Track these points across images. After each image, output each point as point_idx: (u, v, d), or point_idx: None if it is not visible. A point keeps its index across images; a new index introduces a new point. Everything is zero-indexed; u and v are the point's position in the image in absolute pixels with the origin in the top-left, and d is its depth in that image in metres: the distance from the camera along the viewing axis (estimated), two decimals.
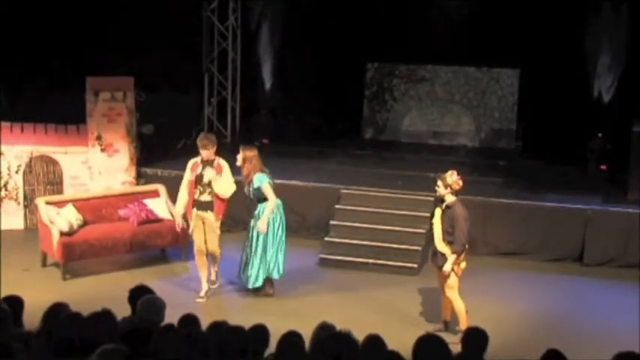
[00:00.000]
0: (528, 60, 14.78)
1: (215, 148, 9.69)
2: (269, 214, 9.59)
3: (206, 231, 9.76)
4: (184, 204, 9.72)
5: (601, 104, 14.11)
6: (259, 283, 9.76)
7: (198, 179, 9.65)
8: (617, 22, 13.77)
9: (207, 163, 9.66)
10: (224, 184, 9.67)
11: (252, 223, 9.76)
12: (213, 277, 10.03)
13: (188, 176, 9.73)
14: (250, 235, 9.76)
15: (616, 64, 13.94)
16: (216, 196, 9.66)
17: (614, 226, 11.31)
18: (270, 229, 9.65)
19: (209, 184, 9.62)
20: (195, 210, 9.72)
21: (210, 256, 9.94)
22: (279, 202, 9.73)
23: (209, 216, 9.70)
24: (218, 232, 9.82)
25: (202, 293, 9.80)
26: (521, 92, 15.54)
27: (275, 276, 9.79)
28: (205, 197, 9.68)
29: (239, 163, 9.66)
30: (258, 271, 9.70)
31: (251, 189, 9.64)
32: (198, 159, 9.74)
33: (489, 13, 14.68)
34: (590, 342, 8.37)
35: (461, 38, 14.95)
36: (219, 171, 9.66)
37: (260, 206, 9.66)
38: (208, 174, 9.60)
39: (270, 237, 9.69)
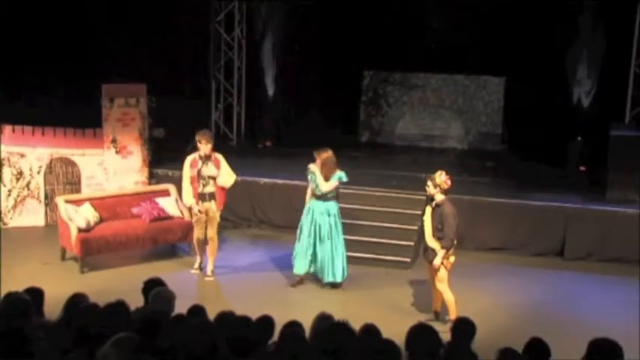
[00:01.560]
0: (513, 69, 14.81)
1: (211, 144, 9.82)
2: (333, 186, 9.63)
3: (208, 219, 9.92)
4: (193, 194, 9.82)
5: (580, 109, 14.12)
6: (346, 274, 9.74)
7: (200, 174, 9.76)
8: (595, 34, 13.78)
9: (205, 158, 9.77)
10: (225, 176, 9.86)
11: (319, 220, 9.64)
12: (209, 272, 10.07)
13: (188, 172, 9.83)
14: (323, 232, 9.62)
15: (594, 72, 13.95)
16: (219, 186, 9.83)
17: (593, 223, 11.31)
18: (340, 227, 9.68)
19: (211, 176, 9.75)
20: (199, 202, 9.86)
21: (209, 245, 10.05)
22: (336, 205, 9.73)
23: (212, 205, 9.88)
24: (219, 219, 10.02)
25: (196, 265, 10.18)
26: (506, 98, 15.56)
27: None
28: (208, 189, 9.85)
29: (318, 166, 9.59)
30: (343, 263, 9.69)
31: (325, 188, 9.58)
32: (195, 155, 9.86)
33: (478, 26, 14.71)
34: (570, 330, 8.37)
35: (451, 48, 14.99)
36: (217, 164, 9.79)
37: (324, 204, 9.59)
38: (209, 169, 9.73)
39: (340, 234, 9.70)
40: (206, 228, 10.01)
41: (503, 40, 14.34)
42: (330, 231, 9.66)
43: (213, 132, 15.61)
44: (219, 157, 9.93)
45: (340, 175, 9.64)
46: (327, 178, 9.57)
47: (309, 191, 9.87)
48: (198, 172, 9.79)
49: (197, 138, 9.85)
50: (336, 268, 9.67)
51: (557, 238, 11.44)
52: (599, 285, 10.41)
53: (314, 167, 9.69)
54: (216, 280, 10.15)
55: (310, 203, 9.76)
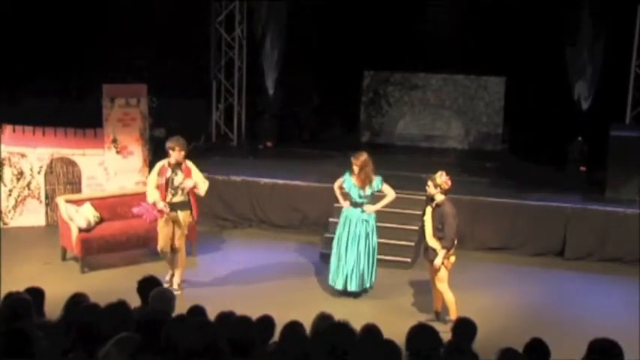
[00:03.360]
0: (513, 69, 14.80)
1: (184, 152, 9.39)
2: (385, 204, 9.53)
3: (175, 229, 9.55)
4: (157, 196, 9.38)
5: (580, 109, 14.10)
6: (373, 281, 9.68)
7: (169, 183, 9.40)
8: (595, 34, 13.77)
9: (175, 166, 9.41)
10: (201, 184, 9.50)
11: (357, 230, 9.48)
12: (175, 285, 9.59)
13: (155, 180, 9.41)
14: (361, 242, 9.46)
15: (594, 72, 13.94)
16: (193, 196, 9.50)
17: (592, 223, 11.32)
18: (376, 234, 9.58)
19: (180, 186, 9.39)
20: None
21: (177, 257, 9.70)
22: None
23: (181, 215, 9.49)
24: (186, 231, 9.64)
25: (167, 277, 9.69)
26: (506, 98, 15.54)
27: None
28: (178, 198, 9.45)
29: (355, 171, 9.39)
30: (368, 274, 9.58)
31: (367, 192, 9.43)
32: (164, 162, 9.47)
33: (478, 26, 14.70)
34: (570, 330, 8.37)
35: (451, 48, 14.97)
36: (187, 174, 9.40)
37: (362, 213, 9.46)
38: (179, 178, 9.37)
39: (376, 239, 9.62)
40: (172, 238, 9.58)
41: (504, 40, 14.34)
42: (366, 240, 9.51)
43: (213, 132, 15.66)
44: (190, 164, 9.50)
45: (379, 180, 9.51)
46: (364, 183, 9.41)
47: (338, 196, 9.74)
48: (167, 180, 9.38)
49: (169, 145, 9.37)
50: (365, 276, 9.57)
51: (557, 238, 11.44)
52: (599, 285, 10.41)
53: (351, 178, 9.45)
54: (217, 280, 10.15)
55: (346, 212, 9.57)
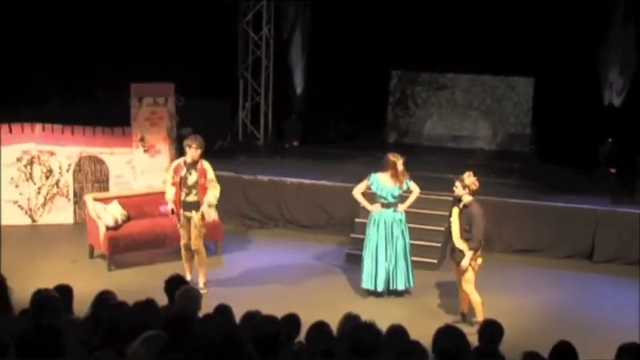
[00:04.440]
0: (542, 69, 14.69)
1: (201, 151, 9.40)
2: (412, 202, 9.59)
3: (191, 230, 9.57)
4: (173, 196, 9.48)
5: (611, 110, 13.98)
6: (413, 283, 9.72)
7: (183, 181, 9.43)
8: (627, 31, 13.64)
9: (191, 165, 9.43)
10: (210, 197, 9.44)
11: (389, 231, 9.52)
12: (201, 284, 9.57)
13: (171, 178, 9.49)
14: (395, 243, 9.52)
15: (626, 72, 13.81)
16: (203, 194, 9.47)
17: (622, 226, 11.22)
18: (408, 233, 9.65)
19: (194, 185, 9.42)
20: (182, 210, 9.54)
21: (195, 258, 9.73)
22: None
23: (194, 216, 9.51)
24: (203, 231, 9.61)
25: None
26: (535, 99, 15.43)
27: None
28: (191, 198, 9.48)
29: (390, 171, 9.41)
30: (409, 272, 9.64)
31: (399, 192, 9.50)
32: (181, 161, 9.53)
33: (506, 26, 14.60)
34: (598, 334, 8.31)
35: (480, 49, 14.88)
36: (202, 174, 9.40)
37: (393, 214, 9.50)
38: (192, 177, 9.41)
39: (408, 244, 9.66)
40: (189, 240, 9.60)
41: (533, 40, 14.24)
42: (402, 239, 9.56)
43: (240, 131, 15.72)
44: (206, 165, 9.49)
45: (409, 180, 9.54)
46: (401, 182, 9.40)
47: (362, 201, 9.74)
48: (182, 179, 9.42)
49: (186, 142, 9.43)
50: (410, 274, 9.63)
51: (585, 241, 11.36)
52: (628, 288, 10.30)
53: (382, 178, 9.47)
54: (242, 279, 10.19)
55: (377, 214, 9.57)
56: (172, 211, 9.57)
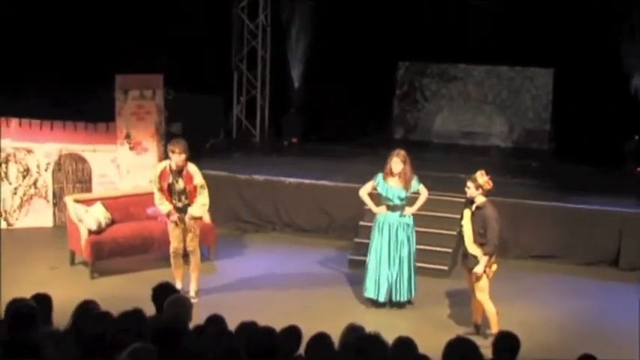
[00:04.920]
0: (563, 59, 14.70)
1: (185, 156, 9.39)
2: (421, 205, 9.60)
3: (186, 230, 9.63)
4: (167, 204, 9.52)
5: (638, 104, 13.98)
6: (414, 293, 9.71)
7: (171, 189, 9.50)
8: None
9: (177, 173, 9.45)
10: (198, 205, 9.52)
11: (395, 236, 9.50)
12: (192, 292, 9.63)
13: (157, 183, 9.49)
14: (400, 249, 9.49)
15: None
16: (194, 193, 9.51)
17: None
18: (414, 239, 9.63)
19: (182, 192, 9.48)
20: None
21: (191, 261, 9.77)
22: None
23: (188, 218, 9.56)
24: (198, 230, 9.68)
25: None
26: (555, 92, 15.46)
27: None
28: (181, 203, 9.56)
29: (397, 169, 9.37)
30: (412, 281, 9.63)
31: (406, 194, 9.47)
32: (166, 165, 9.54)
33: (523, 11, 14.61)
34: (624, 348, 8.31)
35: (494, 37, 14.89)
36: (188, 180, 9.45)
37: (399, 217, 9.48)
38: (179, 185, 9.46)
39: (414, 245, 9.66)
40: (184, 240, 9.66)
41: (552, 26, 14.24)
42: (408, 246, 9.55)
43: (234, 127, 15.72)
44: (193, 170, 9.52)
45: (416, 179, 9.51)
46: (407, 183, 9.38)
47: (368, 202, 9.75)
48: (169, 186, 9.48)
49: (170, 147, 9.45)
50: (412, 283, 9.62)
51: (610, 246, 11.35)
52: None
53: (388, 179, 9.44)
54: (237, 287, 10.19)
55: (382, 217, 9.56)
56: (175, 218, 9.59)
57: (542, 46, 14.61)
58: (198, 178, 9.54)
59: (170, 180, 9.50)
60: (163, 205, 9.58)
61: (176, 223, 9.61)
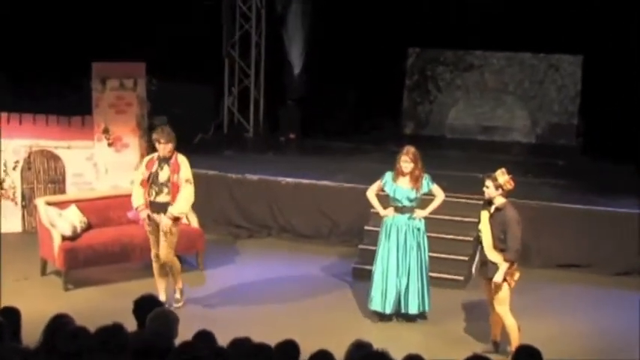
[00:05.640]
0: (593, 44, 14.67)
1: (172, 145, 9.41)
2: (435, 208, 9.61)
3: (160, 238, 9.57)
4: (143, 200, 9.48)
5: None
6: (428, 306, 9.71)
7: (153, 178, 9.46)
8: None
9: (163, 159, 9.47)
10: (182, 201, 9.44)
11: (404, 241, 9.49)
12: (177, 295, 9.76)
13: (141, 174, 9.54)
14: (409, 256, 9.47)
15: None
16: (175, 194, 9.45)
17: None
18: (427, 245, 9.62)
19: (165, 183, 9.45)
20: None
21: (170, 271, 9.76)
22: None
23: (164, 219, 9.47)
24: (175, 237, 9.59)
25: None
26: (584, 82, 15.46)
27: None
28: (162, 198, 9.49)
29: (407, 169, 9.35)
30: (425, 294, 9.61)
31: (417, 194, 9.46)
32: (154, 155, 9.58)
33: None
34: None
35: (515, 20, 14.87)
36: (175, 170, 9.42)
37: (409, 220, 9.47)
38: (163, 174, 9.44)
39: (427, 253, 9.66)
40: (159, 249, 9.62)
41: (581, 8, 14.22)
42: (418, 252, 9.55)
43: (225, 121, 15.73)
44: (181, 160, 9.51)
45: (428, 179, 9.51)
46: (417, 183, 9.36)
47: (376, 204, 9.78)
48: (151, 175, 9.45)
49: (154, 137, 9.51)
50: (425, 295, 9.62)
51: None
52: None
53: (396, 178, 9.43)
54: (229, 300, 10.19)
55: (389, 220, 9.55)
56: (148, 217, 9.55)
57: (569, 30, 14.59)
58: (186, 171, 9.51)
59: (154, 168, 9.48)
60: (135, 199, 9.54)
61: (152, 228, 9.54)
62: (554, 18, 14.53)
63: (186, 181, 9.49)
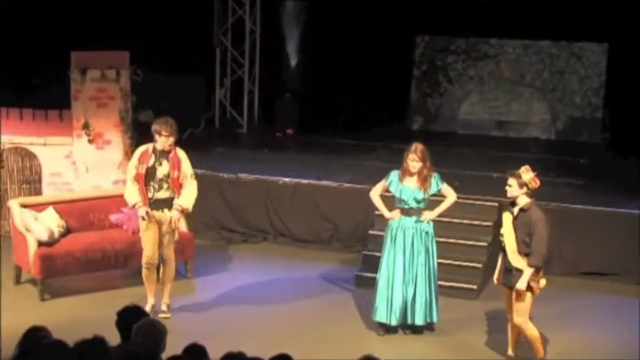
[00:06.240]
0: (619, 31, 14.68)
1: (174, 139, 9.45)
2: (445, 210, 9.61)
3: (162, 235, 9.62)
4: (139, 195, 9.47)
5: None
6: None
7: (150, 173, 9.46)
8: None
9: (161, 153, 9.49)
10: (188, 194, 9.52)
11: (411, 245, 9.46)
12: (164, 306, 9.75)
13: (134, 168, 9.49)
14: (417, 262, 9.45)
15: None
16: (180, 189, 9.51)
17: None
18: (436, 251, 9.62)
19: (165, 179, 9.47)
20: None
21: (164, 271, 9.79)
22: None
23: (166, 215, 9.53)
24: (177, 236, 9.71)
25: (148, 308, 9.49)
26: (609, 72, 15.47)
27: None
28: (163, 194, 9.53)
29: (415, 168, 9.35)
30: (434, 303, 9.61)
31: (425, 195, 9.45)
32: (149, 147, 9.56)
33: None
34: None
35: (533, 4, 14.89)
36: (176, 166, 9.47)
37: (416, 223, 9.45)
38: (163, 169, 9.46)
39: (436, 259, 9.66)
40: (159, 246, 9.64)
41: None
42: (426, 258, 9.54)
43: (217, 115, 15.73)
44: (181, 154, 9.56)
45: (438, 178, 9.50)
46: (425, 182, 9.36)
47: (380, 206, 9.80)
48: (148, 170, 9.45)
49: (155, 127, 9.46)
50: (433, 305, 9.61)
51: None
52: None
53: (403, 178, 9.43)
54: (221, 310, 10.19)
55: (395, 223, 9.54)
56: (147, 214, 9.52)
57: (593, 16, 14.60)
58: (188, 166, 9.56)
59: (151, 162, 9.47)
60: (131, 195, 9.53)
61: (146, 221, 9.51)
62: (577, 2, 14.53)
63: (191, 176, 9.59)
